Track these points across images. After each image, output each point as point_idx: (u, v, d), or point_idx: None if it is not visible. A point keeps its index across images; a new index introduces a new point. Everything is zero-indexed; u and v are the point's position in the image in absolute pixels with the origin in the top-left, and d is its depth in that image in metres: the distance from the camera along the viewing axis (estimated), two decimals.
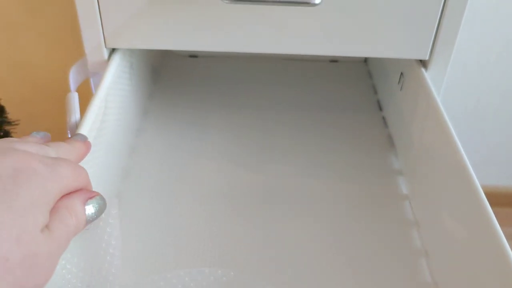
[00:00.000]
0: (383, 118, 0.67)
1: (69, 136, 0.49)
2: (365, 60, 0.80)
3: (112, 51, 0.54)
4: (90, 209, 0.31)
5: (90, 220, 0.31)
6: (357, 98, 0.71)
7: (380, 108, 0.69)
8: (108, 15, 0.49)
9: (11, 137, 0.62)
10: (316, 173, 0.57)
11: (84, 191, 0.32)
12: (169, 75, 0.75)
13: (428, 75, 0.53)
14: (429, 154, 0.50)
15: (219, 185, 0.55)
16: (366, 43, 0.51)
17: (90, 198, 0.32)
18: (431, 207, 0.48)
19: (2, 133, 0.60)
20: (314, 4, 0.47)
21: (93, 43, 0.51)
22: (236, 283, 0.32)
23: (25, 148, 0.29)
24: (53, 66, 0.92)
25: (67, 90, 0.97)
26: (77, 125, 0.44)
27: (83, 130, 0.42)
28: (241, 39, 0.51)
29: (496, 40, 0.93)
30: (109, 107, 0.49)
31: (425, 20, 0.49)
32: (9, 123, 0.59)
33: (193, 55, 0.80)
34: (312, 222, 0.51)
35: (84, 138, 0.38)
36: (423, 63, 0.54)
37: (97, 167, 0.44)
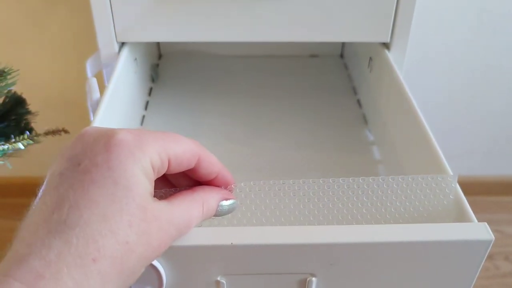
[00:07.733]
0: (358, 100, 0.76)
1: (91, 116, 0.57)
2: (341, 54, 0.90)
3: (122, 45, 0.63)
4: (223, 208, 0.35)
5: (217, 216, 0.35)
6: (335, 86, 0.81)
7: (355, 93, 0.78)
8: (119, 12, 0.58)
9: (30, 127, 0.71)
10: (302, 145, 0.66)
11: (225, 192, 0.35)
12: (166, 71, 0.84)
13: (390, 55, 0.62)
14: (394, 120, 0.59)
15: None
16: (337, 29, 0.60)
17: (227, 199, 0.35)
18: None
19: (23, 124, 0.68)
20: None
21: (105, 38, 0.60)
22: None
23: None
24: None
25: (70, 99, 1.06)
26: (97, 103, 0.53)
27: (103, 105, 0.51)
28: (231, 30, 0.60)
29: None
30: (118, 89, 0.58)
31: (384, 8, 0.59)
32: (29, 112, 0.67)
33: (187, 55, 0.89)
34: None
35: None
36: (386, 46, 0.63)
37: None
